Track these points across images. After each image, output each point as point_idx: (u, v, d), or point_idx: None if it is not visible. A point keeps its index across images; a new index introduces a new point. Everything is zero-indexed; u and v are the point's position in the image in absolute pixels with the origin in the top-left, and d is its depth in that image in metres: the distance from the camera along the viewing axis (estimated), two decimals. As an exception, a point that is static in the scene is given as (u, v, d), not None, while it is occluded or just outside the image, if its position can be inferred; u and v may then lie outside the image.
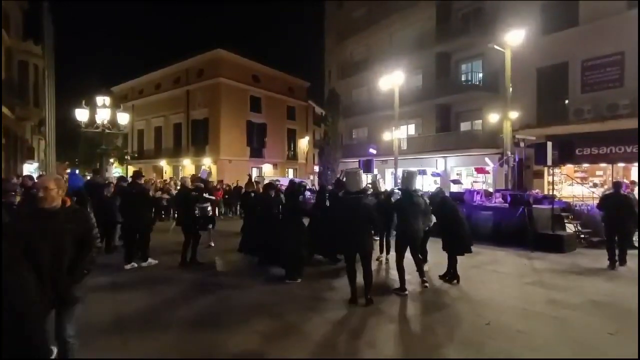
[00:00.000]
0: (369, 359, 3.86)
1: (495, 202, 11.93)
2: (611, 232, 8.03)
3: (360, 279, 5.43)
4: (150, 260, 7.80)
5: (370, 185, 9.02)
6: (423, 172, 19.07)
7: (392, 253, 8.28)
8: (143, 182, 8.56)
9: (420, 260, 6.29)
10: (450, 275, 6.63)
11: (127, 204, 7.84)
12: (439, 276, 6.74)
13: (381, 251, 8.47)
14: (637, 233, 9.93)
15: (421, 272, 6.22)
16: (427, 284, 6.14)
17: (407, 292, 5.77)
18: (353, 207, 5.40)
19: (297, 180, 12.07)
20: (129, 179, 9.12)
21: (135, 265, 7.57)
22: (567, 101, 16.13)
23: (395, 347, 4.10)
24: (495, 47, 13.09)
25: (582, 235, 10.53)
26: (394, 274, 7.18)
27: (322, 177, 23.88)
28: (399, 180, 8.86)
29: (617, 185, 8.34)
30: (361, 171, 6.05)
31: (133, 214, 7.65)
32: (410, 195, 6.12)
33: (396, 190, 8.27)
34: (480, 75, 21.31)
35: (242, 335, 4.34)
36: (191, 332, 4.45)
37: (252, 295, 5.87)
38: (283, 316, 4.96)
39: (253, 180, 12.87)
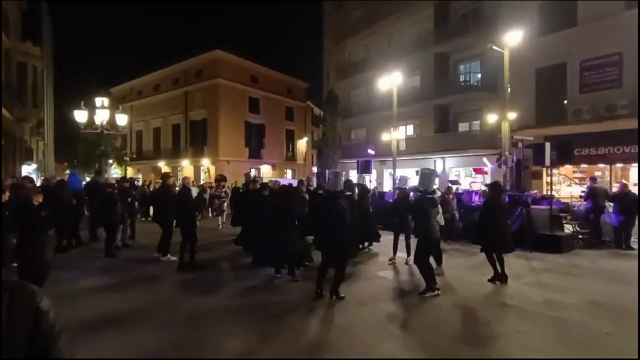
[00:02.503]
0: (367, 359, 3.86)
1: (505, 204, 11.89)
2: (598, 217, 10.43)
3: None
4: (169, 256, 8.19)
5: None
6: (437, 175, 19.03)
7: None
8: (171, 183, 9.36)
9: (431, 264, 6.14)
10: (498, 276, 6.53)
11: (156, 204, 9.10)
12: (488, 280, 6.63)
13: (394, 253, 8.27)
14: (637, 234, 10.00)
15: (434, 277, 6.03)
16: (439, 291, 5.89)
17: (438, 291, 5.72)
18: (329, 206, 5.53)
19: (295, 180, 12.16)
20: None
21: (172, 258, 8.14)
22: (565, 101, 16.15)
23: (393, 347, 4.10)
24: (494, 47, 13.11)
25: (581, 236, 10.55)
26: (402, 277, 7.20)
27: (320, 178, 23.88)
28: (400, 181, 8.80)
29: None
30: (342, 172, 6.08)
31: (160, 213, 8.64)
32: (430, 197, 5.99)
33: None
34: (479, 75, 21.33)
35: (240, 335, 4.34)
36: (189, 331, 4.46)
37: (250, 295, 5.87)
38: (280, 316, 4.96)
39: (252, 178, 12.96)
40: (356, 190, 9.13)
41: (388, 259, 8.31)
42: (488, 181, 17.66)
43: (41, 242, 5.35)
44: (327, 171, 22.75)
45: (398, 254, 8.20)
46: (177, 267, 7.60)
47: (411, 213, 6.60)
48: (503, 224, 6.66)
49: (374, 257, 8.73)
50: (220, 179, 11.75)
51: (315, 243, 5.93)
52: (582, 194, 11.66)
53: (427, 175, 6.16)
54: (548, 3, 16.72)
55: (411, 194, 7.76)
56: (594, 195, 10.55)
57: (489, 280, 6.57)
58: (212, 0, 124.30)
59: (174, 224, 8.15)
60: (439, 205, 6.94)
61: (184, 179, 9.23)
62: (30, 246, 5.18)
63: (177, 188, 16.69)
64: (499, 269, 6.55)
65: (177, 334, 4.41)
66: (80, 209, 9.97)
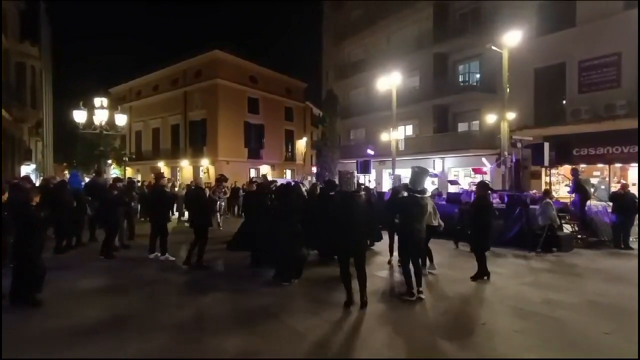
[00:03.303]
0: (365, 359, 3.87)
1: (492, 203, 11.92)
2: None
3: (354, 281, 5.41)
4: (167, 255, 8.33)
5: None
6: (434, 175, 19.05)
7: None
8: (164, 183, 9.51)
9: (421, 266, 6.13)
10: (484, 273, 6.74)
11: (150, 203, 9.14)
12: (471, 278, 6.76)
13: (391, 254, 8.23)
14: (636, 233, 10.02)
15: (419, 279, 5.89)
16: (422, 295, 5.71)
17: (414, 297, 5.61)
18: (346, 207, 5.40)
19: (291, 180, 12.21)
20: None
21: (155, 255, 8.44)
22: (564, 102, 16.17)
23: (392, 347, 4.10)
24: (493, 47, 13.13)
25: (579, 236, 10.55)
26: (401, 276, 7.18)
27: (320, 178, 23.87)
28: (394, 181, 8.84)
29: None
30: (355, 172, 6.00)
31: (155, 212, 8.74)
32: (416, 196, 5.94)
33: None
34: (478, 76, 21.35)
35: (240, 336, 4.34)
36: (189, 333, 4.46)
37: (250, 296, 5.87)
38: (280, 317, 4.96)
39: (255, 179, 13.10)
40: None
41: (387, 260, 8.29)
42: (487, 181, 17.75)
43: (39, 242, 5.35)
44: (339, 172, 22.71)
45: (395, 253, 8.17)
46: (184, 264, 7.68)
47: (394, 211, 6.61)
48: (490, 222, 6.88)
49: (373, 257, 8.72)
50: (222, 178, 11.76)
51: (327, 246, 5.86)
52: (568, 188, 11.75)
53: (417, 174, 6.09)
54: (547, 3, 16.75)
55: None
56: (580, 187, 10.66)
57: (472, 279, 6.73)
58: (211, 0, 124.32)
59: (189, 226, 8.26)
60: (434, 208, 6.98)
61: (196, 179, 9.41)
62: (30, 247, 5.19)
63: (175, 188, 16.71)
64: (483, 266, 6.72)
65: (177, 334, 4.41)
66: (81, 209, 9.88)
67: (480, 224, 6.75)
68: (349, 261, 5.42)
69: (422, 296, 5.68)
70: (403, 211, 6.07)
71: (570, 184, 11.38)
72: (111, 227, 8.70)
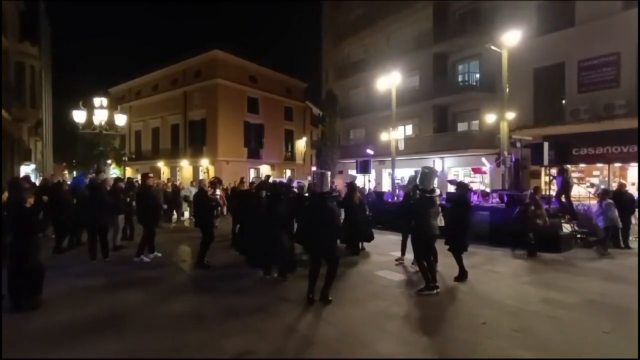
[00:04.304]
0: (364, 359, 3.87)
1: (492, 202, 11.96)
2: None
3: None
4: (142, 257, 8.33)
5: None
6: (437, 175, 18.97)
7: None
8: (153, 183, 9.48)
9: (435, 263, 6.26)
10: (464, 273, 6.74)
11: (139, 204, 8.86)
12: (454, 278, 6.74)
13: (403, 253, 8.17)
14: (635, 233, 10.03)
15: (434, 273, 6.13)
16: (438, 290, 5.96)
17: (435, 291, 5.83)
18: (318, 208, 5.48)
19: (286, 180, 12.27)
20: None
21: (154, 255, 8.48)
22: (563, 101, 16.19)
23: (390, 347, 4.11)
24: (492, 47, 13.12)
25: (579, 235, 10.56)
26: (400, 276, 7.18)
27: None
28: (408, 180, 8.84)
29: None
30: (328, 172, 5.96)
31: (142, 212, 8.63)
32: (429, 196, 6.09)
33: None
34: (477, 75, 21.36)
35: (237, 335, 4.35)
36: (187, 332, 4.46)
37: (247, 295, 5.88)
38: (279, 316, 4.97)
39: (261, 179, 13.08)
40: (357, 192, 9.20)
41: (395, 258, 8.24)
42: (487, 181, 17.79)
43: (36, 243, 5.34)
44: (312, 171, 22.79)
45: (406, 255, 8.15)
46: (199, 268, 7.67)
47: (409, 212, 6.65)
48: (469, 223, 6.95)
49: (371, 257, 8.74)
50: (216, 181, 11.67)
51: (304, 245, 5.94)
52: (555, 175, 11.74)
53: (427, 174, 6.21)
54: (546, 3, 16.77)
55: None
56: (565, 182, 10.71)
57: (455, 280, 6.68)
58: (211, 0, 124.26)
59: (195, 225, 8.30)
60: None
61: (201, 181, 9.50)
62: (28, 247, 5.18)
63: (171, 189, 16.63)
64: (463, 266, 6.74)
65: (176, 333, 4.41)
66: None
67: (459, 224, 6.75)
68: (322, 261, 5.50)
69: (438, 290, 5.94)
70: (420, 212, 6.14)
71: (556, 177, 11.35)
72: (99, 228, 8.47)
